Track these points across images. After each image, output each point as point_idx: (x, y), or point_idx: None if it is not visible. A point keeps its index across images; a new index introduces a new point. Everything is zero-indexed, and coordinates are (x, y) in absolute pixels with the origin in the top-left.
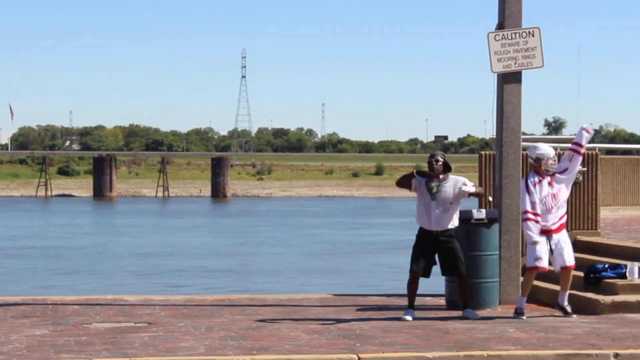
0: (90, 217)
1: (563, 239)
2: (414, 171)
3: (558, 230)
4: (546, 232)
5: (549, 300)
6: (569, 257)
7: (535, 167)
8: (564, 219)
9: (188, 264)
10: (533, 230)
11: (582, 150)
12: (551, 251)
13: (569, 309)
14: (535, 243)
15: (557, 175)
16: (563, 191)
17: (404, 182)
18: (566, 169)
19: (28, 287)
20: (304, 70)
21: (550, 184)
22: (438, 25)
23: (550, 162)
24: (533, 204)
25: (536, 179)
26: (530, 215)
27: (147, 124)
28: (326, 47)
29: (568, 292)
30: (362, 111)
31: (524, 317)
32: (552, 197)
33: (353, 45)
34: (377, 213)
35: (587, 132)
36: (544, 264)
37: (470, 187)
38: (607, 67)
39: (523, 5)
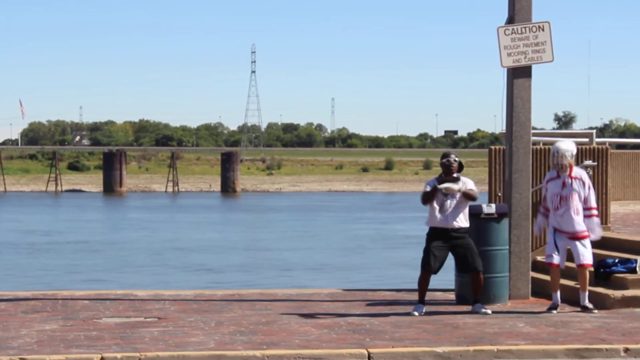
0: (107, 212)
1: (582, 242)
2: (436, 185)
3: (576, 238)
4: (563, 233)
5: (560, 295)
6: (583, 256)
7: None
8: (582, 228)
9: (228, 260)
10: (538, 223)
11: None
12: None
13: (590, 306)
14: (541, 232)
15: (576, 181)
16: (575, 198)
17: (430, 198)
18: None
19: (73, 281)
20: (313, 65)
21: (563, 184)
22: (448, 19)
23: (558, 159)
24: (544, 198)
25: (552, 175)
26: (540, 209)
27: (157, 119)
28: (336, 42)
29: (587, 291)
30: (372, 106)
31: (555, 312)
32: (560, 198)
33: (363, 40)
34: (400, 208)
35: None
36: (553, 260)
37: (469, 185)
38: (617, 61)
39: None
